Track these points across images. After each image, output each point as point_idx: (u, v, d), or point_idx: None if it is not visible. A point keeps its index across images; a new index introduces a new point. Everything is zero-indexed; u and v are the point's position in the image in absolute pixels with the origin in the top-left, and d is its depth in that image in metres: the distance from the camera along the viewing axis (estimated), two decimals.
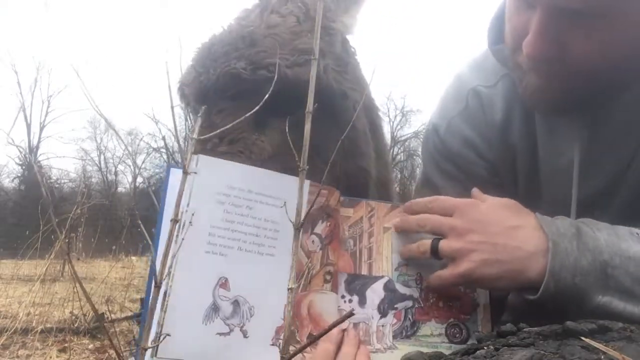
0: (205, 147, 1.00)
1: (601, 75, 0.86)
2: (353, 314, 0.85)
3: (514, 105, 1.07)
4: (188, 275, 0.78)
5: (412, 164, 22.97)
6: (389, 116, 23.16)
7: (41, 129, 24.03)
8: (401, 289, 0.90)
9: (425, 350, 0.84)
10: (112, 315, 3.94)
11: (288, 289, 0.55)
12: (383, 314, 0.88)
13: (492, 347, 0.68)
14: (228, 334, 0.78)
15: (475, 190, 0.92)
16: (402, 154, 23.51)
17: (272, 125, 1.06)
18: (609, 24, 0.80)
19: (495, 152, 1.11)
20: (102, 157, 25.59)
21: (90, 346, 3.49)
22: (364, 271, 0.90)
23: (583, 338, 0.64)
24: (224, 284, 0.79)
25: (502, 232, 0.82)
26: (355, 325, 0.86)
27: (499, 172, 1.12)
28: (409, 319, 0.88)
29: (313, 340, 0.77)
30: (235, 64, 1.04)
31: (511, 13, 0.91)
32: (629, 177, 0.99)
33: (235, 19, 1.17)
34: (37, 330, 3.46)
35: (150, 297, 0.54)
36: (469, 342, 0.87)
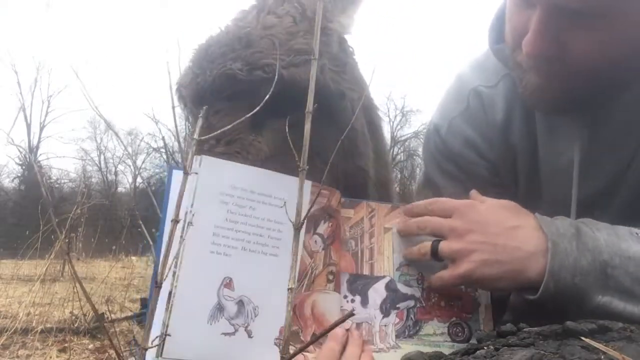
0: (203, 147, 1.00)
1: (601, 75, 0.86)
2: (354, 314, 0.85)
3: (514, 105, 1.08)
4: (193, 275, 0.78)
5: (412, 164, 23.00)
6: (389, 116, 23.18)
7: (41, 129, 24.06)
8: (403, 288, 0.90)
9: (428, 349, 0.84)
10: (112, 315, 3.94)
11: (288, 289, 0.55)
12: (385, 313, 0.88)
13: (492, 347, 0.68)
14: (233, 334, 0.78)
15: (473, 192, 0.93)
16: (402, 154, 23.52)
17: (269, 126, 1.06)
18: (609, 24, 0.80)
19: (496, 152, 1.11)
20: (102, 157, 25.64)
21: (90, 346, 3.49)
22: (366, 271, 0.91)
23: (583, 338, 0.64)
24: (228, 283, 0.80)
25: (501, 233, 0.82)
26: (358, 325, 0.86)
27: (499, 172, 1.13)
28: (411, 318, 0.88)
29: (314, 340, 0.77)
30: (231, 65, 1.04)
31: (511, 12, 0.91)
32: (629, 177, 0.99)
33: (232, 20, 1.17)
34: (37, 330, 3.46)
35: (151, 298, 0.54)
36: (470, 341, 0.87)
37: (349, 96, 1.14)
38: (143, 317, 3.79)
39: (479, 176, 1.12)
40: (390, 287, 0.90)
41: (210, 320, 0.77)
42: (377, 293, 0.89)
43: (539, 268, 0.78)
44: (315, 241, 0.89)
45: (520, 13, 0.88)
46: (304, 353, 0.77)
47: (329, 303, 0.86)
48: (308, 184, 0.89)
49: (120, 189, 25.75)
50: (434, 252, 0.86)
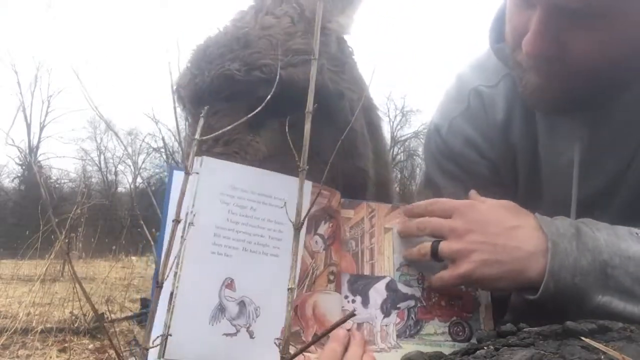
0: (201, 148, 1.00)
1: (601, 75, 0.86)
2: (355, 314, 0.85)
3: (515, 105, 1.08)
4: (194, 276, 0.78)
5: (412, 164, 22.99)
6: (389, 116, 23.17)
7: (41, 129, 24.05)
8: (403, 288, 0.90)
9: (429, 348, 0.84)
10: (112, 315, 3.94)
11: (288, 289, 0.55)
12: (386, 313, 0.88)
13: (492, 347, 0.68)
14: (235, 334, 0.78)
15: (473, 192, 0.93)
16: (402, 154, 23.51)
17: (267, 126, 1.06)
18: (609, 24, 0.80)
19: (496, 152, 1.11)
20: (102, 157, 25.62)
21: (90, 346, 3.49)
22: (366, 271, 0.91)
23: (583, 338, 0.64)
24: (229, 284, 0.80)
25: (501, 233, 0.82)
26: (359, 325, 0.86)
27: (500, 172, 1.13)
28: (412, 318, 0.89)
29: (315, 340, 0.77)
30: (229, 66, 1.04)
31: (511, 12, 0.91)
32: (629, 177, 0.99)
33: (230, 20, 1.18)
34: (37, 330, 3.46)
35: (152, 298, 0.54)
36: (471, 340, 0.87)
37: (348, 96, 1.14)
38: (143, 317, 3.79)
39: (479, 176, 1.12)
40: (390, 287, 0.90)
41: (211, 321, 0.77)
42: (378, 293, 0.89)
43: (539, 268, 0.78)
44: (316, 241, 0.90)
45: (521, 13, 0.88)
46: (306, 353, 0.77)
47: (330, 303, 0.86)
48: (308, 184, 0.89)
49: (120, 189, 25.76)
50: (434, 253, 0.86)
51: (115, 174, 26.09)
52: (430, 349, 0.85)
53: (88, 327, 3.69)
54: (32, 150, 23.74)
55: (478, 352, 0.68)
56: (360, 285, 0.90)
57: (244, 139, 1.04)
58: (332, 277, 0.88)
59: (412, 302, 0.90)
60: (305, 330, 0.83)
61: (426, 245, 0.88)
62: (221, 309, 0.78)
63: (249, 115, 0.72)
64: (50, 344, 3.40)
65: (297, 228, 0.58)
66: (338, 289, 0.88)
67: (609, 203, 1.01)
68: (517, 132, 1.08)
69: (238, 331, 0.78)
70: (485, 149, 1.12)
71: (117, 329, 3.66)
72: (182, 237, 0.77)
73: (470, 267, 0.81)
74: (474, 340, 0.84)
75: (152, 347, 0.55)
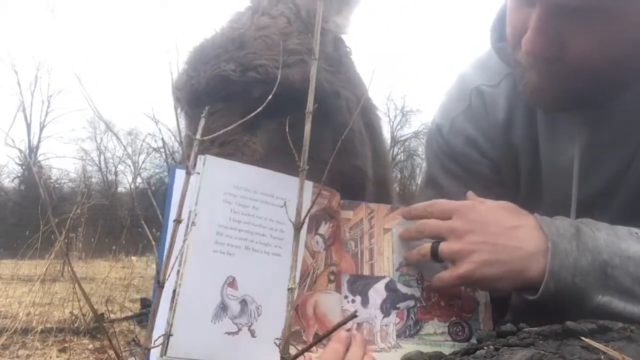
0: (198, 149, 1.00)
1: (601, 75, 0.86)
2: (356, 316, 0.85)
3: (516, 104, 1.08)
4: (197, 274, 0.78)
5: (412, 164, 23.00)
6: (389, 116, 23.17)
7: (41, 129, 24.04)
8: (403, 288, 0.91)
9: (428, 348, 0.84)
10: (112, 315, 3.94)
11: (288, 289, 0.55)
12: (386, 313, 0.88)
13: (492, 347, 0.68)
14: (236, 333, 0.78)
15: (470, 194, 0.93)
16: (402, 154, 23.51)
17: (263, 127, 1.06)
18: (608, 23, 0.80)
19: (498, 152, 1.11)
20: (102, 157, 25.61)
21: (90, 346, 3.49)
22: (366, 272, 0.91)
23: (583, 338, 0.64)
24: (231, 283, 0.80)
25: (501, 233, 0.82)
26: (359, 325, 0.86)
27: (501, 172, 1.13)
28: (412, 318, 0.89)
29: (315, 342, 0.77)
30: (224, 67, 1.05)
31: (512, 10, 0.92)
32: (629, 177, 0.99)
33: (227, 21, 1.18)
34: (37, 330, 3.45)
35: (154, 297, 0.54)
36: (471, 340, 0.87)
37: (344, 96, 1.14)
38: (143, 317, 3.79)
39: (481, 175, 1.12)
40: (390, 287, 0.90)
41: (213, 320, 0.77)
42: (378, 293, 0.89)
43: (539, 268, 0.78)
44: (317, 241, 0.90)
45: (520, 11, 0.88)
46: (306, 353, 0.77)
47: (331, 303, 0.86)
48: (309, 184, 0.89)
49: (120, 189, 25.76)
50: (434, 254, 0.86)
51: (115, 174, 26.11)
52: (430, 348, 0.85)
53: (88, 327, 3.68)
54: (32, 150, 23.74)
55: (478, 352, 0.68)
56: (360, 285, 0.90)
57: (240, 140, 1.04)
58: (332, 277, 0.88)
59: (411, 302, 0.90)
60: (306, 330, 0.83)
61: (426, 246, 0.88)
62: (223, 308, 0.78)
63: (249, 116, 0.72)
64: (50, 344, 3.40)
65: (297, 228, 0.58)
66: (338, 289, 0.88)
67: (609, 203, 1.01)
68: (518, 132, 1.08)
69: (240, 330, 0.78)
70: (487, 149, 1.12)
71: (117, 329, 3.67)
72: (184, 235, 0.77)
73: (470, 267, 0.81)
74: (473, 340, 0.84)
75: (154, 347, 0.55)
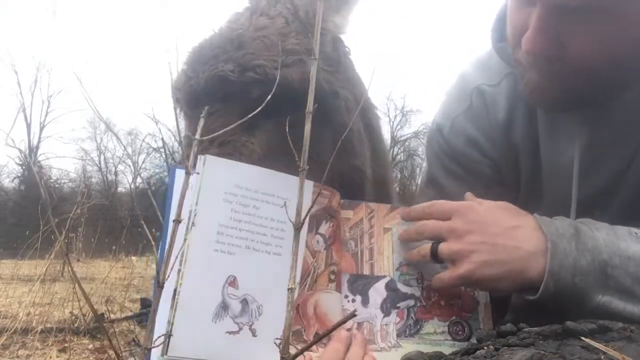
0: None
1: (601, 74, 0.86)
2: (355, 315, 0.85)
3: (517, 104, 1.08)
4: (197, 274, 0.78)
5: (412, 164, 23.01)
6: (389, 116, 23.17)
7: (41, 129, 24.04)
8: (403, 288, 0.91)
9: (429, 348, 0.85)
10: (112, 315, 3.94)
11: (288, 290, 0.55)
12: (386, 313, 0.88)
13: (492, 347, 0.68)
14: (237, 332, 0.78)
15: (468, 194, 0.93)
16: (402, 154, 23.51)
17: (261, 127, 1.07)
18: (608, 23, 0.80)
19: (498, 151, 1.11)
20: (102, 157, 25.61)
21: (90, 346, 3.48)
22: (366, 271, 0.91)
23: (583, 338, 0.64)
24: (232, 282, 0.80)
25: (501, 233, 0.82)
26: (360, 324, 0.86)
27: (502, 171, 1.13)
28: (412, 317, 0.89)
29: (315, 341, 0.77)
30: (222, 67, 1.05)
31: (512, 10, 0.92)
32: (629, 177, 0.99)
33: (226, 22, 1.18)
34: (37, 330, 3.45)
35: (154, 297, 0.54)
36: (471, 340, 0.87)
37: (343, 95, 1.14)
38: (143, 317, 3.79)
39: (482, 175, 1.13)
40: (390, 287, 0.90)
41: (214, 319, 0.77)
42: (378, 293, 0.89)
43: (539, 268, 0.78)
44: (317, 241, 0.90)
45: (521, 11, 0.88)
46: (307, 352, 0.77)
47: (331, 302, 0.86)
48: (309, 184, 0.89)
49: (120, 189, 25.76)
50: (434, 254, 0.86)
51: (115, 174, 26.11)
52: (430, 348, 0.85)
53: (88, 327, 3.68)
54: (32, 150, 23.74)
55: (478, 352, 0.68)
56: (360, 284, 0.90)
57: (238, 140, 1.04)
58: (333, 277, 0.88)
59: (411, 302, 0.90)
60: (307, 329, 0.83)
61: (426, 247, 0.88)
62: (224, 307, 0.78)
63: (248, 116, 0.72)
64: (50, 344, 3.39)
65: (297, 228, 0.58)
66: (338, 289, 0.88)
67: (609, 203, 1.01)
68: (519, 132, 1.08)
69: (241, 329, 0.78)
70: (488, 149, 1.12)
71: (117, 329, 3.66)
72: (185, 235, 0.78)
73: (470, 267, 0.81)
74: (474, 340, 0.84)
75: (154, 347, 0.55)
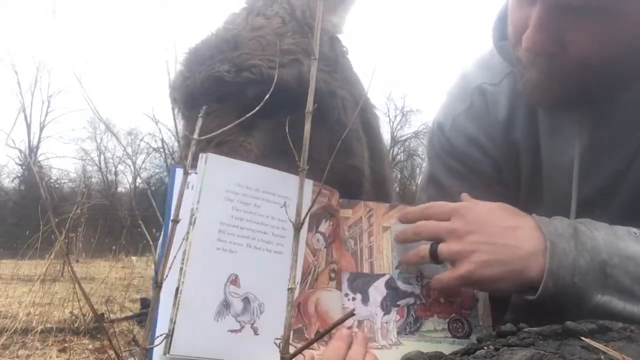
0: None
1: (601, 73, 0.86)
2: (354, 314, 0.85)
3: (518, 103, 1.08)
4: (199, 272, 0.78)
5: (412, 164, 23.02)
6: (389, 116, 23.16)
7: (41, 129, 24.04)
8: (402, 286, 0.91)
9: (429, 345, 0.85)
10: (112, 315, 3.94)
11: (288, 289, 0.55)
12: (386, 311, 0.88)
13: (492, 347, 0.68)
14: (239, 330, 0.78)
15: (464, 195, 0.93)
16: (402, 154, 23.51)
17: (259, 127, 1.07)
18: (609, 22, 0.80)
19: (499, 150, 1.11)
20: (102, 157, 25.61)
21: (90, 346, 3.48)
22: (366, 270, 0.91)
23: (583, 338, 0.64)
24: (234, 280, 0.80)
25: (501, 233, 0.82)
26: (360, 322, 0.87)
27: (503, 171, 1.13)
28: (412, 315, 0.89)
29: (315, 339, 0.77)
30: (219, 67, 1.05)
31: (513, 8, 0.92)
32: (629, 177, 0.99)
33: (222, 22, 1.18)
34: (37, 330, 3.45)
35: (152, 297, 0.54)
36: (471, 337, 0.88)
37: (340, 95, 1.14)
38: (143, 317, 3.79)
39: (483, 174, 1.12)
40: (390, 285, 0.91)
41: (216, 317, 0.77)
42: (378, 291, 0.90)
43: (538, 268, 0.78)
44: (318, 239, 0.90)
45: (521, 9, 0.88)
46: (308, 350, 0.77)
47: (332, 301, 0.87)
48: (309, 183, 0.89)
49: (120, 189, 25.77)
50: (433, 255, 0.86)
51: (115, 174, 26.11)
52: (430, 345, 0.85)
53: (88, 327, 3.68)
54: (32, 150, 23.74)
55: (478, 352, 0.68)
56: (360, 283, 0.90)
57: (235, 141, 1.04)
58: (333, 275, 0.89)
59: (411, 300, 0.90)
60: (308, 327, 0.84)
61: (425, 248, 0.88)
62: (226, 305, 0.78)
63: (246, 116, 0.72)
64: (50, 344, 3.39)
65: (297, 228, 0.58)
66: (339, 287, 0.88)
67: (609, 203, 1.01)
68: (519, 131, 1.08)
69: (242, 327, 0.78)
70: (488, 148, 1.12)
71: (117, 329, 3.66)
72: (186, 233, 0.78)
73: (470, 267, 0.81)
74: (474, 340, 0.85)
75: (152, 346, 0.55)
